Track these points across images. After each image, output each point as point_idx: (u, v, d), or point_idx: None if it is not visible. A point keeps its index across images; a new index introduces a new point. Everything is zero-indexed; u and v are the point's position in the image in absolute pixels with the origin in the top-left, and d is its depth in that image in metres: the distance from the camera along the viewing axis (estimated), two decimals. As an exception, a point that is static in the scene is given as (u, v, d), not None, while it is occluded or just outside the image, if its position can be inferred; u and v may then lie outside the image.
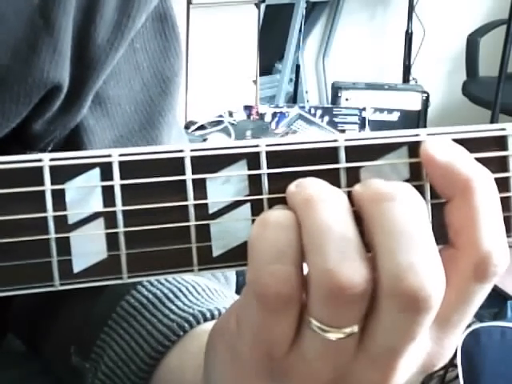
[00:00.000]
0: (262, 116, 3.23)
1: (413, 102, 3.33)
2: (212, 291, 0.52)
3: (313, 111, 3.26)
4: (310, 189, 0.33)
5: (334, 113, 3.26)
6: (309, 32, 4.02)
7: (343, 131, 3.24)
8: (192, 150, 0.34)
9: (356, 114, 3.26)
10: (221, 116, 3.03)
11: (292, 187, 0.34)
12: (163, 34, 0.54)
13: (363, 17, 3.96)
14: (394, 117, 3.33)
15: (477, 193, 0.33)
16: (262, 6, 3.42)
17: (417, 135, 0.35)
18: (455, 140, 0.35)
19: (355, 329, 0.33)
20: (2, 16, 0.45)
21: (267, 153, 0.34)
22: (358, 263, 0.32)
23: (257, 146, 0.34)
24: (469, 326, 1.88)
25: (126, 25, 0.49)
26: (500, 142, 0.36)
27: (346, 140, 0.35)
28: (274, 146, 0.34)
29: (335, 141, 0.35)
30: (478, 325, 1.82)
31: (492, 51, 2.88)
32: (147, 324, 0.49)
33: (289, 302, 0.32)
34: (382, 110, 3.33)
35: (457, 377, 1.78)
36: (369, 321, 0.33)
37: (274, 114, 3.23)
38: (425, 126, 3.38)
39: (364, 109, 3.28)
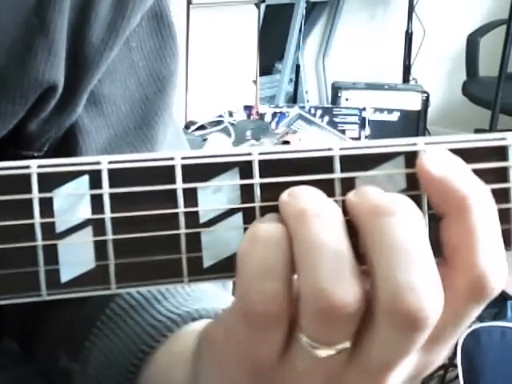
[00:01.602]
0: (262, 116, 3.23)
1: (413, 102, 3.32)
2: (201, 291, 0.52)
3: (313, 111, 3.26)
4: (303, 200, 0.32)
5: (334, 113, 3.26)
6: (309, 32, 4.02)
7: (343, 131, 3.23)
8: (183, 158, 0.33)
9: (356, 114, 3.26)
10: (221, 116, 3.03)
11: (284, 196, 0.33)
12: (159, 33, 0.53)
13: (363, 17, 3.96)
14: (394, 117, 3.33)
15: (474, 211, 0.32)
16: (262, 6, 3.42)
17: (414, 144, 0.34)
18: (454, 150, 0.34)
19: (347, 345, 0.32)
20: None
21: (260, 161, 0.33)
22: (352, 282, 0.31)
23: (249, 154, 0.33)
24: (469, 325, 1.88)
25: (121, 24, 0.49)
26: (500, 152, 0.35)
27: (341, 149, 0.34)
28: (267, 154, 0.33)
29: (330, 149, 0.34)
30: (477, 325, 1.82)
31: (492, 51, 2.88)
32: (135, 325, 0.49)
33: (277, 321, 0.32)
34: (382, 110, 3.33)
35: (457, 377, 1.78)
36: (362, 336, 0.33)
37: (274, 114, 3.23)
38: (425, 126, 3.38)
39: (364, 109, 3.28)
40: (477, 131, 3.00)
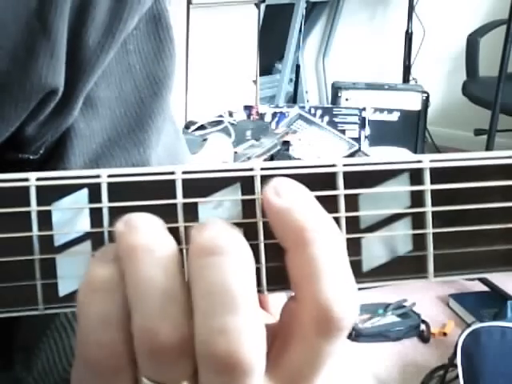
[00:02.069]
0: (261, 116, 3.23)
1: (413, 102, 3.32)
2: None
3: (313, 111, 3.26)
4: (137, 234, 0.31)
5: (334, 113, 3.26)
6: (309, 32, 4.03)
7: (343, 131, 3.24)
8: (184, 173, 0.33)
9: (356, 114, 3.26)
10: (221, 116, 3.03)
11: (120, 226, 0.31)
12: (157, 35, 0.53)
13: (363, 17, 3.96)
14: (394, 117, 3.33)
15: (313, 243, 0.31)
16: (262, 6, 3.43)
17: (419, 161, 0.34)
18: (460, 167, 0.34)
19: None
20: (1, 21, 0.44)
21: (262, 177, 0.33)
22: (179, 321, 0.30)
23: (251, 169, 0.33)
24: (469, 325, 1.88)
25: (118, 27, 0.49)
26: (507, 170, 0.34)
27: (345, 165, 0.33)
28: (269, 169, 0.33)
29: (333, 166, 0.33)
30: (477, 325, 1.82)
31: (492, 51, 2.88)
32: (73, 337, 0.49)
33: (116, 369, 0.31)
34: (382, 110, 3.33)
35: (457, 377, 1.78)
36: (197, 379, 0.32)
37: (274, 114, 3.23)
38: (425, 126, 3.38)
39: (364, 109, 3.28)
40: (477, 131, 3.00)
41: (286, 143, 3.05)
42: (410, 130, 3.33)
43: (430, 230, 0.34)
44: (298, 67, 3.86)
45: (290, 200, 0.32)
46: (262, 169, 0.33)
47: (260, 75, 3.53)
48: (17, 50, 0.45)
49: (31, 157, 0.50)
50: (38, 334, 0.52)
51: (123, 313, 0.31)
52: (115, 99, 0.52)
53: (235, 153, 2.82)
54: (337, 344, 0.32)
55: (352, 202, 0.34)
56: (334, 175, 0.34)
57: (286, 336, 0.33)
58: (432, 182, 0.34)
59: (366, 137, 3.27)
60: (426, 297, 2.39)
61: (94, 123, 0.51)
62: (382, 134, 3.29)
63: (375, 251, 0.34)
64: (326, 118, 3.25)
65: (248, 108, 3.24)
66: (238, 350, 0.30)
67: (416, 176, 0.34)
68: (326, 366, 0.33)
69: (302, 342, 0.32)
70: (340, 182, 0.34)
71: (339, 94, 3.35)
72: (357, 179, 0.34)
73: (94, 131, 0.51)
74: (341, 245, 0.32)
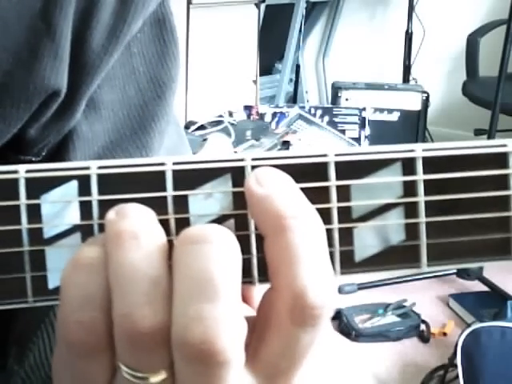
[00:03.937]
0: (261, 116, 3.23)
1: (413, 102, 3.33)
2: None
3: (313, 111, 3.26)
4: (125, 221, 0.31)
5: (334, 113, 3.26)
6: (309, 32, 4.03)
7: (343, 131, 3.24)
8: (174, 163, 0.32)
9: (356, 114, 3.26)
10: (221, 116, 3.03)
11: (111, 214, 0.31)
12: (161, 38, 0.53)
13: (363, 17, 3.96)
14: (394, 117, 3.33)
15: (289, 230, 0.31)
16: (262, 6, 3.43)
17: (411, 150, 0.34)
18: (453, 156, 0.34)
19: (162, 376, 0.31)
20: (5, 21, 0.44)
21: (253, 167, 0.33)
22: (158, 308, 0.30)
23: (242, 159, 0.33)
24: (469, 325, 1.88)
25: (122, 30, 0.49)
26: (500, 159, 0.34)
27: (337, 155, 0.33)
28: (260, 160, 0.33)
29: (325, 155, 0.33)
30: (478, 325, 1.82)
31: (492, 51, 2.88)
32: None
33: (95, 350, 0.31)
34: (382, 110, 3.33)
35: (457, 377, 1.78)
36: (174, 369, 0.31)
37: (274, 114, 3.23)
38: (425, 126, 3.38)
39: (364, 109, 3.28)
40: (477, 131, 3.00)
41: (286, 143, 3.05)
42: (410, 130, 3.33)
43: (422, 220, 0.34)
44: (298, 67, 3.87)
45: (270, 188, 0.32)
46: (252, 159, 0.33)
47: (260, 75, 3.53)
48: (20, 51, 0.45)
49: (33, 159, 0.50)
50: (34, 329, 0.52)
51: (105, 295, 0.31)
52: (118, 102, 0.52)
53: (235, 153, 2.82)
54: (315, 334, 0.32)
55: (344, 192, 0.33)
56: (325, 165, 0.33)
57: (264, 327, 0.32)
58: (424, 171, 0.34)
59: (365, 137, 3.27)
60: (426, 297, 2.39)
61: (96, 126, 0.51)
62: (382, 133, 3.29)
63: (368, 241, 0.34)
64: (326, 118, 3.25)
65: (248, 108, 3.24)
66: (213, 339, 0.29)
67: (408, 165, 0.34)
68: (305, 359, 0.32)
69: (278, 332, 0.32)
70: (332, 171, 0.33)
71: (339, 94, 3.36)
72: (349, 169, 0.33)
73: (97, 134, 0.51)
74: (320, 233, 0.32)
